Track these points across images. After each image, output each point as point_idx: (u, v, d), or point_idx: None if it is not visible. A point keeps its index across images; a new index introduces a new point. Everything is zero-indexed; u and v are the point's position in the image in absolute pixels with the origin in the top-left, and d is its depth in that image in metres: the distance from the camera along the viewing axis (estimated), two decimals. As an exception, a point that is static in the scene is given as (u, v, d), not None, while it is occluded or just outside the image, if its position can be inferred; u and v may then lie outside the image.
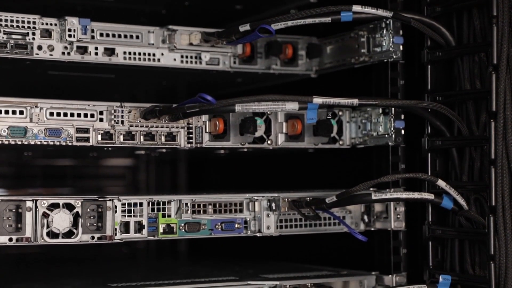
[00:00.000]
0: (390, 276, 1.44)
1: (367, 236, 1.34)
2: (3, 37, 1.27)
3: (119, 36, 1.36)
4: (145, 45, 1.38)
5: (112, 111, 1.29)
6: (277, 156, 1.72)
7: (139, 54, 1.38)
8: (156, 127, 1.32)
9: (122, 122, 1.30)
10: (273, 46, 1.49)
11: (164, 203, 1.31)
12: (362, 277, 1.45)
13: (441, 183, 1.30)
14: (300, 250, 1.67)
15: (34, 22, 1.29)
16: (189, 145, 1.34)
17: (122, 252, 1.99)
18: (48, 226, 1.22)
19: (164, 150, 1.45)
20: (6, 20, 1.27)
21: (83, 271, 1.63)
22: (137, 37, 1.37)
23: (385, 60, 1.44)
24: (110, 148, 1.38)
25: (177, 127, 1.34)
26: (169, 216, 1.31)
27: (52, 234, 1.23)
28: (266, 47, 1.50)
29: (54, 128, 1.26)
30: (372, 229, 1.46)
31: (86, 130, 1.28)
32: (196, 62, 1.42)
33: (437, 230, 1.37)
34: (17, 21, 1.28)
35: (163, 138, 1.33)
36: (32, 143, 1.25)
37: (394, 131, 1.43)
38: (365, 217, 1.46)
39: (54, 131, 1.26)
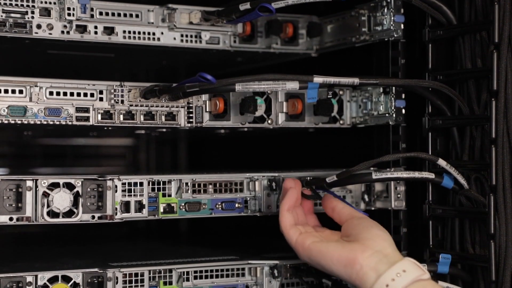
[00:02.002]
0: (390, 255, 1.44)
1: (368, 215, 1.34)
2: (1, 16, 1.26)
3: (119, 15, 1.35)
4: (144, 24, 1.37)
5: (112, 91, 1.29)
6: (277, 135, 1.72)
7: (139, 33, 1.37)
8: (156, 106, 1.32)
9: (122, 102, 1.30)
10: (274, 25, 1.48)
11: (164, 183, 1.31)
12: (362, 256, 1.45)
13: (441, 162, 1.30)
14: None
15: (33, 1, 1.28)
16: (189, 125, 1.34)
17: (123, 231, 2.00)
18: (48, 206, 1.22)
19: (164, 130, 1.45)
20: (4, -1, 1.27)
21: (84, 251, 1.63)
22: (137, 16, 1.36)
23: (386, 39, 1.43)
24: (110, 128, 1.38)
25: (177, 107, 1.33)
26: (170, 195, 1.31)
27: (53, 214, 1.23)
28: (266, 26, 1.49)
29: (53, 108, 1.25)
30: (373, 208, 1.46)
31: (86, 110, 1.28)
32: (196, 41, 1.42)
33: (437, 209, 1.37)
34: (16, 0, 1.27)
35: (163, 117, 1.33)
36: (32, 122, 1.24)
37: (394, 110, 1.43)
38: (366, 197, 1.46)
39: (54, 110, 1.25)
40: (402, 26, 1.42)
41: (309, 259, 1.23)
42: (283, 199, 1.29)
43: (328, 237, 1.26)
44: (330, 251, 1.19)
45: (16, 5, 1.27)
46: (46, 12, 1.30)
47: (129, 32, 1.36)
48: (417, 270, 1.13)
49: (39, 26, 1.29)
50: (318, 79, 1.28)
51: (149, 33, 1.38)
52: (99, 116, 1.28)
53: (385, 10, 1.42)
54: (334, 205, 1.29)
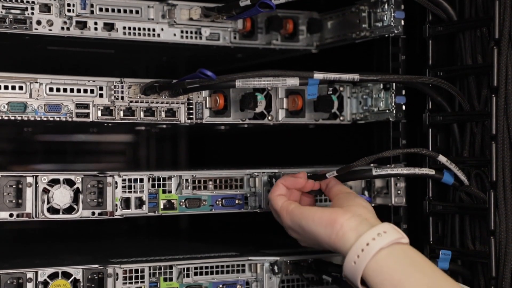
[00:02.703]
0: (390, 251, 1.44)
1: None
2: (1, 12, 1.26)
3: (119, 11, 1.35)
4: (145, 20, 1.37)
5: (112, 87, 1.29)
6: (277, 132, 1.72)
7: (139, 29, 1.37)
8: (156, 102, 1.32)
9: (122, 98, 1.29)
10: (274, 21, 1.48)
11: (164, 179, 1.31)
12: (363, 253, 1.45)
13: (442, 158, 1.30)
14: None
15: (33, -3, 1.28)
16: (189, 121, 1.34)
17: (123, 228, 2.00)
18: (48, 202, 1.22)
19: (164, 126, 1.45)
20: (4, -5, 1.27)
21: (84, 247, 1.64)
22: (137, 12, 1.36)
23: (386, 35, 1.43)
24: (110, 124, 1.38)
25: (177, 103, 1.33)
26: (170, 192, 1.31)
27: (53, 210, 1.23)
28: (266, 22, 1.49)
29: (53, 104, 1.25)
30: (373, 204, 1.46)
31: (86, 106, 1.28)
32: (196, 38, 1.42)
33: (437, 205, 1.37)
34: (16, -4, 1.27)
35: (163, 113, 1.33)
36: (32, 118, 1.24)
37: (395, 106, 1.43)
38: (366, 193, 1.46)
39: (54, 106, 1.25)
40: (402, 22, 1.42)
41: (291, 222, 1.24)
42: (284, 176, 1.32)
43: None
44: (311, 213, 1.20)
45: (16, 1, 1.27)
46: (46, 8, 1.29)
47: (129, 28, 1.36)
48: (396, 233, 1.13)
49: (39, 22, 1.29)
50: (318, 76, 1.28)
51: (149, 29, 1.38)
52: (99, 112, 1.28)
53: (386, 6, 1.42)
54: (328, 181, 1.30)
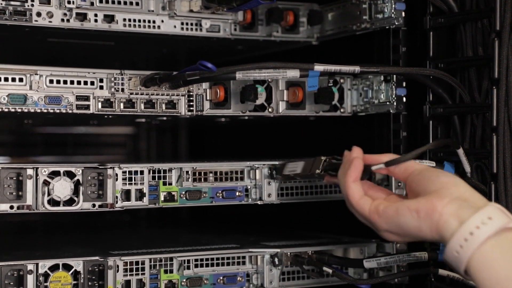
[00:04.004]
0: (390, 243, 1.44)
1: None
2: (1, 4, 1.26)
3: (119, 2, 1.34)
4: (145, 12, 1.37)
5: (112, 79, 1.29)
6: (278, 124, 1.72)
7: (139, 21, 1.37)
8: (157, 94, 1.32)
9: (122, 90, 1.29)
10: (274, 12, 1.48)
11: (165, 171, 1.31)
12: (363, 245, 1.46)
13: (460, 151, 1.27)
14: (301, 217, 1.67)
15: (32, -12, 1.28)
16: (189, 113, 1.34)
17: (123, 220, 2.00)
18: (49, 194, 1.22)
19: (164, 118, 1.45)
20: (4, -13, 1.26)
21: (84, 239, 1.64)
22: (137, 3, 1.36)
23: (387, 27, 1.43)
24: (110, 116, 1.38)
25: (177, 95, 1.33)
26: (170, 184, 1.31)
27: (53, 202, 1.23)
28: (267, 14, 1.49)
29: (54, 96, 1.25)
30: (373, 196, 1.46)
31: (86, 98, 1.27)
32: (196, 29, 1.41)
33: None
34: (16, -12, 1.27)
35: (163, 106, 1.32)
36: (32, 110, 1.24)
37: (395, 98, 1.42)
38: (367, 185, 1.46)
39: (54, 98, 1.25)
40: (403, 14, 1.41)
41: (387, 224, 1.09)
42: (348, 170, 1.15)
43: (399, 199, 1.14)
44: (405, 207, 1.06)
45: (16, -7, 1.27)
46: (46, 0, 1.29)
47: (129, 20, 1.36)
48: (503, 217, 1.00)
49: (39, 14, 1.29)
50: (318, 67, 1.28)
51: (149, 21, 1.37)
52: (100, 104, 1.28)
53: (386, -2, 1.42)
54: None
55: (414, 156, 1.15)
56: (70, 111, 1.26)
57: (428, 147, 1.27)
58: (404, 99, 1.43)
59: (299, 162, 1.33)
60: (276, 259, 1.37)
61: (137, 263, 1.29)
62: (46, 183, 1.22)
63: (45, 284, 1.22)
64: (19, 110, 1.23)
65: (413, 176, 1.11)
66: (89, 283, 1.25)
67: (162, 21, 1.38)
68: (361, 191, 1.14)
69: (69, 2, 1.30)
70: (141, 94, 1.31)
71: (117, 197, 1.27)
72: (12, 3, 1.27)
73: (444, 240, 1.02)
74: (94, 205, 1.25)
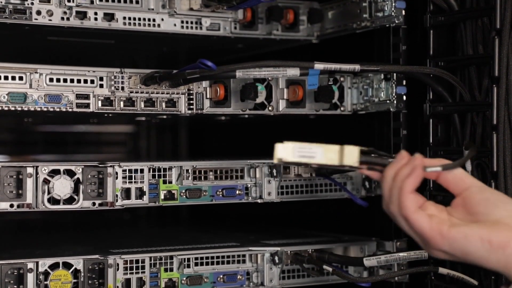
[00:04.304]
0: (391, 241, 1.44)
1: (368, 202, 1.34)
2: (1, 2, 1.26)
3: (119, 1, 1.34)
4: (145, 10, 1.37)
5: (112, 77, 1.29)
6: (278, 122, 1.72)
7: (139, 19, 1.36)
8: (157, 93, 1.31)
9: (122, 88, 1.29)
10: (274, 11, 1.48)
11: (165, 170, 1.31)
12: (363, 243, 1.46)
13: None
14: (302, 216, 1.67)
15: (32, -13, 1.28)
16: (189, 111, 1.34)
17: (123, 218, 2.00)
18: (49, 192, 1.22)
19: (164, 117, 1.45)
20: (4, -15, 1.26)
21: (84, 238, 1.64)
22: (137, 2, 1.36)
23: (387, 25, 1.43)
24: (110, 115, 1.38)
25: (177, 93, 1.33)
26: (170, 182, 1.31)
27: (53, 200, 1.23)
28: (267, 12, 1.48)
29: (54, 94, 1.25)
30: (373, 195, 1.46)
31: (86, 96, 1.27)
32: (196, 28, 1.41)
33: (438, 196, 1.37)
34: (16, -14, 1.27)
35: (163, 104, 1.32)
36: (32, 109, 1.24)
37: (395, 97, 1.42)
38: (366, 183, 1.46)
39: (54, 97, 1.25)
40: (403, 12, 1.41)
41: (449, 247, 1.00)
42: (408, 179, 1.03)
43: (453, 215, 1.04)
44: (478, 236, 0.98)
45: (16, -9, 1.27)
46: (46, -2, 1.29)
47: (129, 18, 1.36)
48: None
49: (38, 12, 1.29)
50: (319, 66, 1.28)
51: (149, 20, 1.37)
52: (100, 102, 1.28)
53: (386, -4, 1.42)
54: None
55: (467, 159, 1.14)
56: (70, 110, 1.26)
57: (472, 153, 1.20)
58: (404, 97, 1.43)
59: (314, 146, 1.19)
60: (276, 258, 1.37)
61: (137, 261, 1.29)
62: (46, 181, 1.22)
63: (45, 282, 1.22)
64: (19, 109, 1.23)
65: (472, 193, 1.04)
66: (89, 282, 1.25)
67: (162, 19, 1.38)
68: (417, 203, 1.03)
69: (69, 1, 1.29)
70: (141, 92, 1.31)
71: (117, 195, 1.27)
72: (12, 1, 1.26)
73: (510, 277, 0.98)
74: (94, 204, 1.25)
